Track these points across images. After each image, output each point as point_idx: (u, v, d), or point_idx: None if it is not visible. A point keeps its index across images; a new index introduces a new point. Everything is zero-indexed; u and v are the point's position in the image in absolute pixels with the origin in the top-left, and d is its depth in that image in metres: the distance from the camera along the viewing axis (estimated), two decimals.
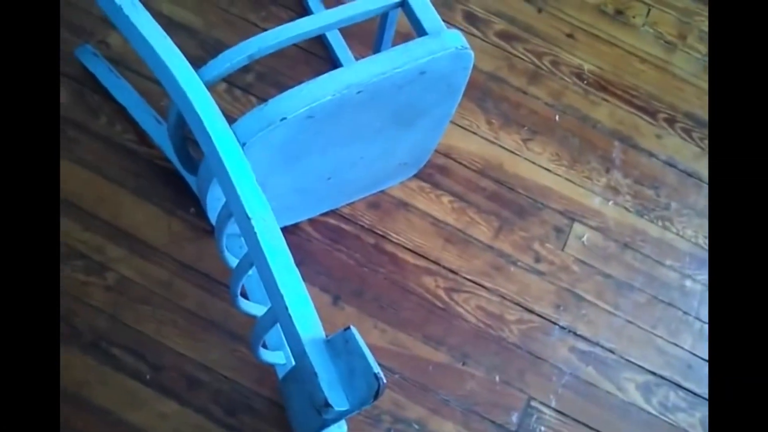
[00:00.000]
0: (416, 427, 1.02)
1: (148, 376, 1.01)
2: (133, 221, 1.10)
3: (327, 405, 0.67)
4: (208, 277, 1.08)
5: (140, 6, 0.84)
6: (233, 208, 0.76)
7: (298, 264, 0.73)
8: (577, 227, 1.19)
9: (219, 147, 0.77)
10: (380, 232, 1.14)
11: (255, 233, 0.74)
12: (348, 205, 1.15)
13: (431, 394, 1.04)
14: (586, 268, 1.16)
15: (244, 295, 0.97)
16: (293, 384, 0.82)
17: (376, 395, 0.67)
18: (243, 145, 0.79)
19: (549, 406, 1.06)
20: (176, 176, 1.12)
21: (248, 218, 0.74)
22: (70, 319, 1.03)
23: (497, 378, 1.07)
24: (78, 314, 1.04)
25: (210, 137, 0.78)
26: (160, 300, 1.06)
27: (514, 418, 1.04)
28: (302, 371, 0.70)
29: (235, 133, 0.79)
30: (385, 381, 0.66)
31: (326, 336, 0.71)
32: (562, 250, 1.17)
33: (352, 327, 0.69)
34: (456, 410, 1.04)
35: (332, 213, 1.14)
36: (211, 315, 1.06)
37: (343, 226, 1.14)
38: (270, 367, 1.02)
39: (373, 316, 1.08)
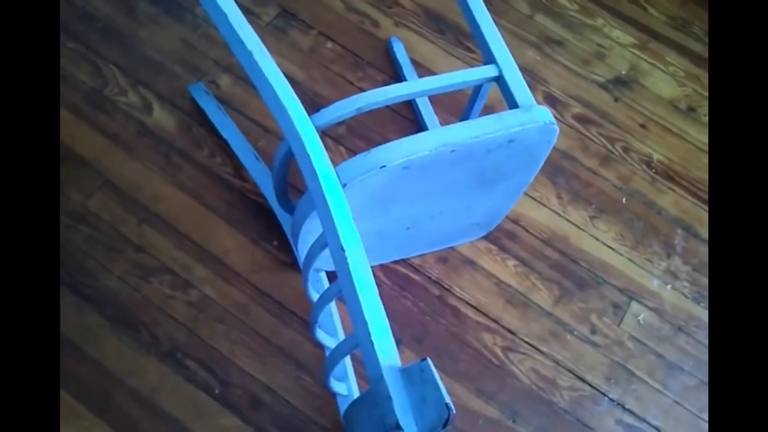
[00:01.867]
0: None
1: (216, 391, 1.08)
2: (221, 246, 1.19)
3: (398, 428, 0.72)
4: (282, 307, 1.15)
5: (267, 54, 0.94)
6: (329, 239, 0.84)
7: None
8: (635, 306, 1.23)
9: (323, 183, 0.86)
10: (446, 286, 1.21)
11: (348, 263, 0.81)
12: (419, 256, 1.22)
13: None
14: (639, 346, 1.20)
15: None
16: (362, 409, 0.87)
17: (446, 423, 0.72)
18: (344, 185, 0.88)
19: None
20: (266, 210, 1.22)
21: (343, 249, 0.82)
22: (152, 329, 1.12)
23: None
24: (160, 324, 1.12)
25: (316, 174, 0.86)
26: (235, 321, 1.13)
27: None
28: (376, 395, 0.76)
29: (338, 174, 0.88)
30: (454, 411, 0.72)
31: (402, 366, 0.77)
32: (618, 325, 1.21)
33: (428, 359, 0.75)
34: None
35: (403, 262, 1.22)
36: (281, 342, 1.13)
37: (412, 275, 1.21)
38: (330, 398, 1.08)
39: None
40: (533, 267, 1.24)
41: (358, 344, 0.80)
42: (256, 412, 1.07)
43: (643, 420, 1.14)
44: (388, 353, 0.77)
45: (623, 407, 1.14)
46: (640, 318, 1.22)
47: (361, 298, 0.79)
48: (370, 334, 0.77)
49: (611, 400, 1.15)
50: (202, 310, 1.14)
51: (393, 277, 1.20)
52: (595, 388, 1.15)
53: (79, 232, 1.17)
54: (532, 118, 0.94)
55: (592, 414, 1.13)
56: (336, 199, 0.85)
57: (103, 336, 1.10)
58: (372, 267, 1.19)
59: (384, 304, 1.18)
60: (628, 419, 1.14)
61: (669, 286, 1.26)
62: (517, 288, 1.22)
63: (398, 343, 1.15)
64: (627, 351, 1.19)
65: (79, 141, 1.24)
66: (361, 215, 0.96)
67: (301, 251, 1.03)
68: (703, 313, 1.25)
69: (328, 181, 0.86)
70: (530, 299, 1.21)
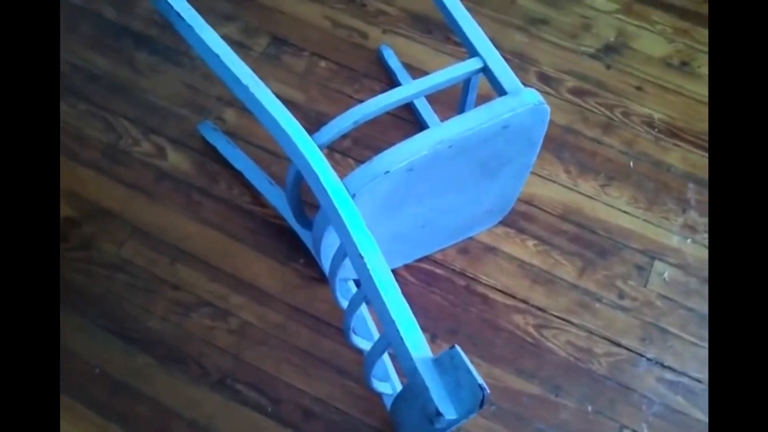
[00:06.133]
0: None
1: (269, 409, 1.13)
2: (252, 272, 1.24)
3: (438, 414, 0.76)
4: (318, 320, 1.20)
5: (262, 84, 0.99)
6: (348, 250, 0.88)
7: None
8: (658, 265, 1.26)
9: (333, 198, 0.90)
10: (471, 275, 1.24)
11: (368, 269, 0.85)
12: (440, 251, 1.26)
13: (527, 424, 1.12)
14: (668, 303, 1.22)
15: None
16: (404, 403, 0.91)
17: (482, 404, 0.76)
18: (353, 196, 0.92)
19: None
20: (288, 231, 1.27)
21: (361, 257, 0.86)
22: (200, 360, 1.17)
23: (589, 408, 1.13)
24: (206, 355, 1.17)
25: (326, 190, 0.90)
26: (276, 341, 1.18)
27: None
28: (414, 388, 0.80)
29: (345, 186, 0.92)
30: (488, 391, 0.75)
31: (434, 356, 0.81)
32: (645, 286, 1.24)
33: (456, 346, 0.79)
34: None
35: (426, 259, 1.26)
36: (322, 353, 1.17)
37: (437, 270, 1.25)
38: (376, 399, 1.12)
39: (467, 351, 1.15)
40: (553, 243, 1.27)
41: (390, 343, 0.84)
42: (310, 423, 1.12)
43: (684, 374, 1.16)
44: (418, 347, 0.81)
45: (662, 365, 1.17)
46: (665, 276, 1.25)
47: (385, 299, 0.83)
48: (399, 332, 0.81)
49: (649, 359, 1.17)
50: (244, 335, 1.19)
51: (419, 275, 1.24)
52: (631, 351, 1.18)
53: (117, 280, 1.23)
54: (522, 102, 0.97)
55: (633, 376, 1.16)
56: (348, 211, 0.89)
57: (155, 374, 1.16)
58: (396, 268, 1.25)
59: (414, 302, 1.22)
60: (669, 376, 1.16)
61: (689, 240, 1.28)
62: (540, 266, 1.25)
63: (434, 337, 1.19)
64: (657, 310, 1.21)
65: (103, 195, 1.31)
66: (375, 221, 1.01)
67: (326, 264, 1.07)
68: None
69: (337, 194, 0.90)
70: (555, 275, 1.24)
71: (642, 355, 1.18)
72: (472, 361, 1.14)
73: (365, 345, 1.04)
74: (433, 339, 1.18)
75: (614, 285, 1.24)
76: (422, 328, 1.17)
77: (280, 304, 1.21)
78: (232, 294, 1.22)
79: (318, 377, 1.15)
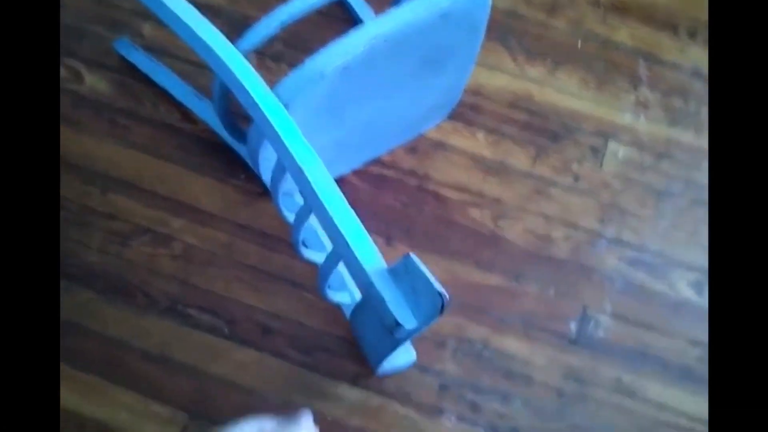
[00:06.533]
0: (480, 345, 1.08)
1: (225, 330, 1.08)
2: (190, 193, 1.17)
3: (397, 324, 0.72)
4: (265, 235, 1.14)
5: None
6: (286, 163, 0.81)
7: None
8: (612, 144, 1.22)
9: (265, 110, 0.81)
10: (421, 174, 1.19)
11: (309, 182, 0.78)
12: (388, 152, 1.20)
13: (490, 314, 1.09)
14: (625, 181, 1.19)
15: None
16: (363, 315, 0.87)
17: (442, 310, 0.71)
18: (286, 105, 0.84)
19: (605, 312, 1.10)
20: (223, 147, 1.19)
21: (301, 169, 0.79)
22: (145, 289, 1.11)
23: (552, 292, 1.11)
24: (151, 284, 1.11)
25: (256, 103, 0.82)
26: (224, 261, 1.12)
27: (572, 326, 1.09)
28: (371, 300, 0.75)
29: (277, 94, 0.84)
30: (447, 296, 0.71)
31: (388, 266, 0.76)
32: (600, 167, 1.20)
33: (411, 254, 0.74)
34: (516, 325, 1.09)
35: (374, 162, 1.20)
36: (273, 268, 1.12)
37: (386, 172, 1.19)
38: (336, 310, 1.08)
39: (424, 250, 1.13)
40: (503, 133, 1.22)
41: (341, 257, 0.78)
42: (269, 339, 1.08)
43: (643, 249, 1.14)
44: (371, 259, 0.75)
45: (621, 242, 1.15)
46: (620, 154, 1.22)
47: (331, 213, 0.77)
48: (349, 245, 0.75)
49: (608, 239, 1.15)
50: (189, 259, 1.13)
51: (368, 179, 1.19)
52: (590, 232, 1.15)
53: None
54: None
55: (593, 256, 1.14)
56: (282, 122, 0.81)
57: (100, 309, 1.09)
58: (343, 175, 1.19)
59: (365, 207, 1.17)
60: (629, 252, 1.14)
61: (642, 117, 1.25)
62: (492, 157, 1.21)
63: (389, 239, 1.14)
64: (613, 190, 1.19)
65: None
66: (314, 129, 0.93)
67: (267, 178, 1.01)
68: (681, 135, 1.24)
69: (269, 106, 0.82)
70: (508, 165, 1.20)
71: (601, 235, 1.15)
72: (429, 259, 1.11)
73: (318, 257, 0.99)
74: (388, 241, 1.14)
75: (569, 169, 1.20)
76: (376, 233, 1.14)
77: (224, 223, 1.15)
78: (171, 218, 1.15)
79: (272, 292, 1.11)
